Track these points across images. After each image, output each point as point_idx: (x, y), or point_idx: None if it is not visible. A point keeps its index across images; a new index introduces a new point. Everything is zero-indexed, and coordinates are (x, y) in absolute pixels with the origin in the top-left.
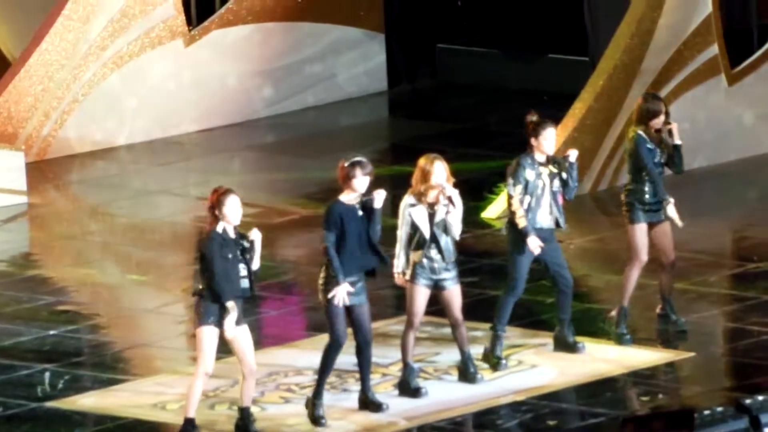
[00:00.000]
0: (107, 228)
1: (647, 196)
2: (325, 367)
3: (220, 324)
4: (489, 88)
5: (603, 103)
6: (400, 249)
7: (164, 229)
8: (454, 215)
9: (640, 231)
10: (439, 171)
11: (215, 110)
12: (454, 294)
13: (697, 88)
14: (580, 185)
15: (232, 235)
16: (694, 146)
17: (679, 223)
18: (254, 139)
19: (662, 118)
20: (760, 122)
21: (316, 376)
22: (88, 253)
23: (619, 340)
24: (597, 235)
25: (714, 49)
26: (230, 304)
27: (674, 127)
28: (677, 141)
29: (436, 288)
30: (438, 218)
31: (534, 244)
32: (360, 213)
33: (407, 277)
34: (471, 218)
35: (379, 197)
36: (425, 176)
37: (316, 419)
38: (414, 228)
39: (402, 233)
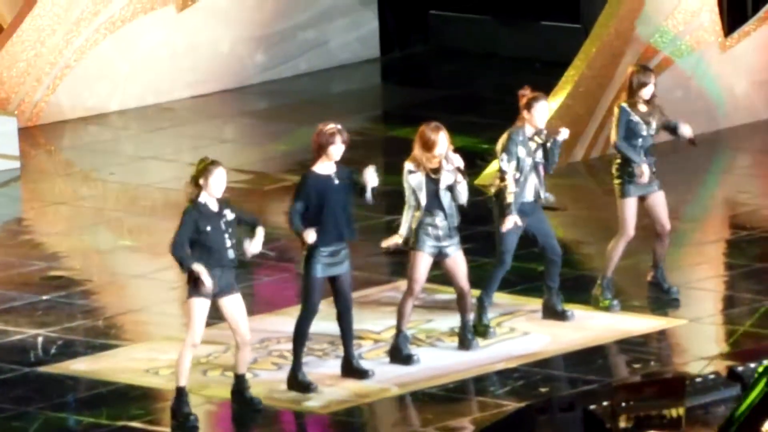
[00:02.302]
0: (99, 194)
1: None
2: (301, 338)
3: (209, 295)
4: (481, 55)
5: (595, 71)
6: (405, 215)
7: (156, 195)
8: (463, 184)
9: (630, 205)
10: (442, 142)
11: (208, 76)
12: (458, 261)
13: (691, 55)
14: (572, 153)
15: (213, 208)
16: (686, 114)
17: (689, 134)
18: (247, 105)
19: (651, 88)
20: (753, 89)
21: (313, 344)
22: (81, 219)
23: (608, 308)
24: (589, 203)
25: (707, 16)
26: (196, 267)
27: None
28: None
29: (440, 255)
30: (443, 185)
31: (510, 224)
32: (337, 182)
33: (410, 244)
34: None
35: (372, 179)
36: (428, 146)
37: (306, 387)
38: (414, 195)
39: (407, 200)
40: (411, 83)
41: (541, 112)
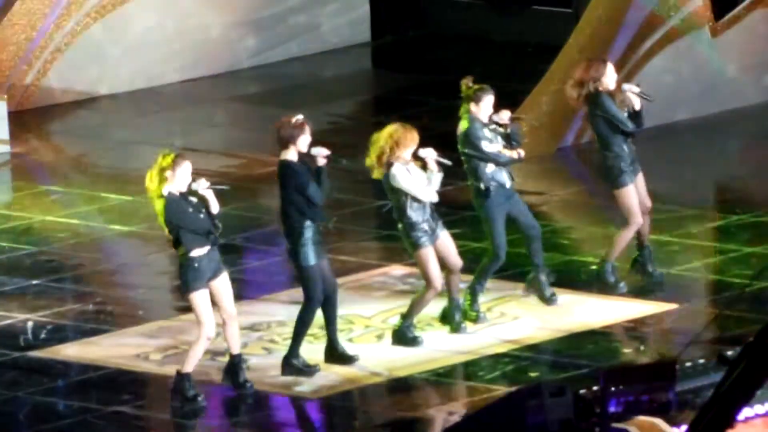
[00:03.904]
0: (90, 178)
1: (626, 154)
2: (305, 328)
3: (207, 284)
4: (473, 40)
5: (587, 55)
6: (424, 188)
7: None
8: (439, 176)
9: (632, 193)
10: (414, 145)
11: (198, 60)
12: (447, 239)
13: (681, 40)
14: (563, 137)
15: (180, 195)
16: (677, 98)
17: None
18: (237, 89)
19: (613, 77)
20: (744, 74)
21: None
22: (71, 203)
23: (615, 289)
24: (579, 187)
25: (698, 1)
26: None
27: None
28: (638, 106)
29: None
30: (420, 175)
31: (516, 154)
32: (306, 167)
33: (413, 243)
34: (453, 170)
35: (321, 155)
36: (399, 144)
37: (301, 371)
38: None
39: (419, 187)
40: (402, 68)
41: (488, 104)
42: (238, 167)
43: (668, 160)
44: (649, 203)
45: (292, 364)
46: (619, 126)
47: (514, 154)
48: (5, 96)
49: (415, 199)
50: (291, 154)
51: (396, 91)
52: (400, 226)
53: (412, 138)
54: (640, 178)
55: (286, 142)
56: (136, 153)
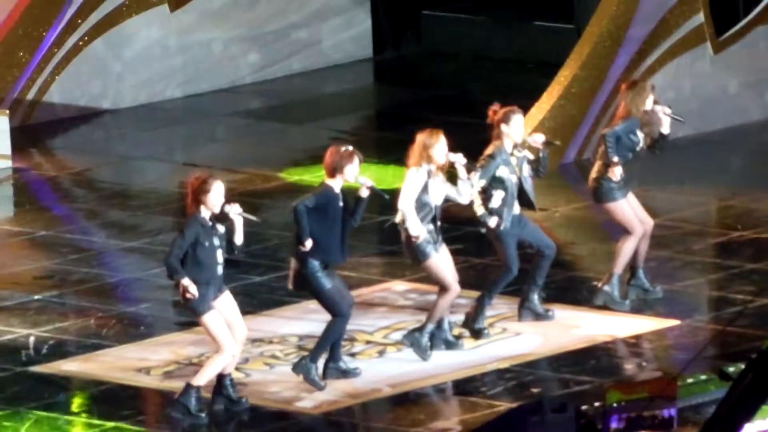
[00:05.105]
0: (92, 193)
1: (619, 174)
2: (332, 339)
3: (212, 305)
4: (474, 56)
5: (588, 71)
6: (413, 215)
7: (149, 194)
8: (467, 184)
9: (626, 205)
10: (443, 147)
11: (200, 76)
12: (448, 254)
13: (683, 57)
14: (565, 153)
15: (209, 222)
16: (679, 115)
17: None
18: (239, 105)
19: (649, 99)
20: (746, 90)
21: (306, 344)
22: (73, 218)
23: (618, 304)
24: (582, 203)
25: (700, 17)
26: (185, 281)
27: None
28: (666, 130)
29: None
30: (441, 189)
31: (494, 223)
32: (342, 204)
33: (418, 255)
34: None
35: (366, 185)
36: (427, 145)
37: (316, 384)
38: (425, 201)
39: (411, 203)
40: (404, 83)
41: (518, 125)
42: (239, 182)
43: (670, 176)
44: (651, 222)
45: (303, 365)
46: (626, 149)
47: (492, 221)
48: (8, 111)
49: (420, 208)
50: (336, 183)
51: (398, 107)
52: (403, 235)
53: (437, 137)
54: (634, 198)
55: (332, 171)
56: (138, 168)
